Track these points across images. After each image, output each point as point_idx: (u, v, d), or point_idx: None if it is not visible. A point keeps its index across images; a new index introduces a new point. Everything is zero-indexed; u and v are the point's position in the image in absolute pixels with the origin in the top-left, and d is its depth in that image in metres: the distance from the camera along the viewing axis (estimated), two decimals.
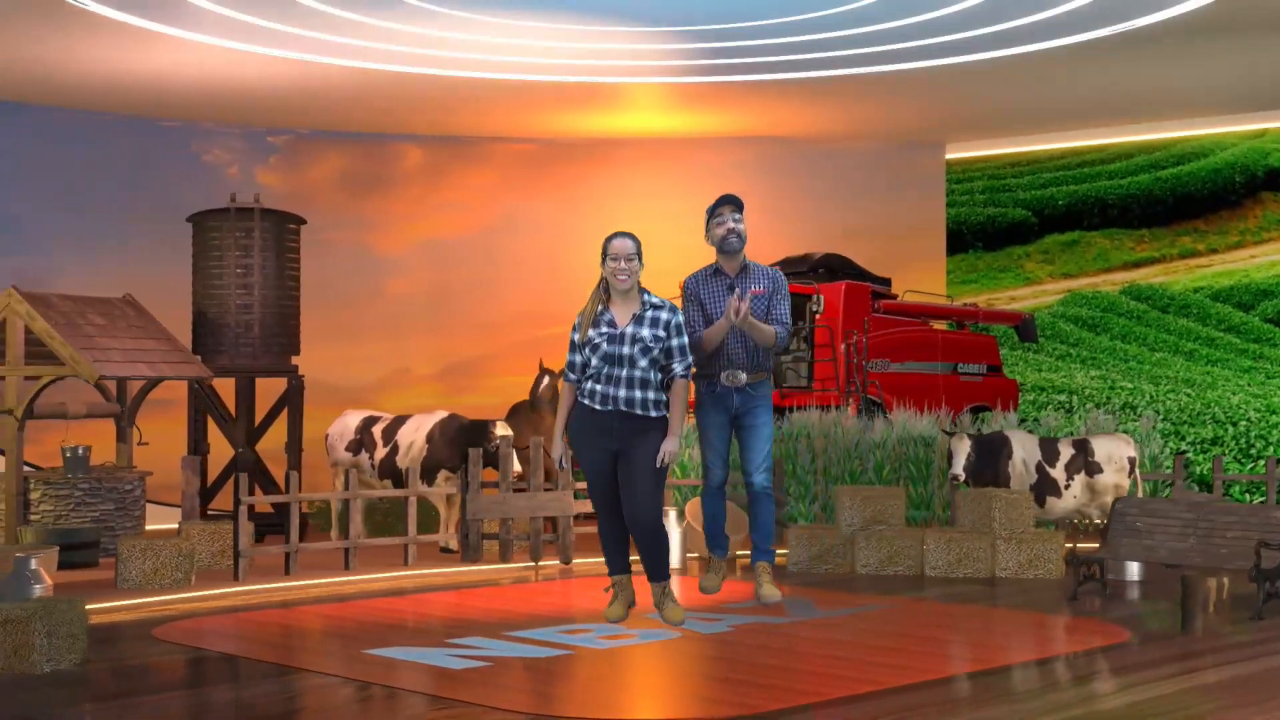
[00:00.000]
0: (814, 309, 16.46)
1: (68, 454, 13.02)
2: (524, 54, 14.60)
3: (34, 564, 9.00)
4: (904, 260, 18.01)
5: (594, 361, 8.60)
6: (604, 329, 8.64)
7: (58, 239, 15.47)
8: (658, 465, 8.74)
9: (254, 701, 7.35)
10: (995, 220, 18.58)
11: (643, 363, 8.65)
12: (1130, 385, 17.49)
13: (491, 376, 17.31)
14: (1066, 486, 12.71)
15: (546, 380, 14.33)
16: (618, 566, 9.27)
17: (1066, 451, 12.80)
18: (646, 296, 8.88)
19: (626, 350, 8.61)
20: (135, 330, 13.60)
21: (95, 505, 12.94)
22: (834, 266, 17.00)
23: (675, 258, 17.42)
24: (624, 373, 8.61)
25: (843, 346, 16.32)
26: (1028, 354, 18.25)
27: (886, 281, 17.29)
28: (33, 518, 12.78)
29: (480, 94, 15.79)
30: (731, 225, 9.03)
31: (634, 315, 8.73)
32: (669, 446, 8.80)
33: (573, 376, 8.73)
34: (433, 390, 16.66)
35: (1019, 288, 18.41)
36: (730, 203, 9.15)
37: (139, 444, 14.00)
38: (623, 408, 8.62)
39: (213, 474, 14.89)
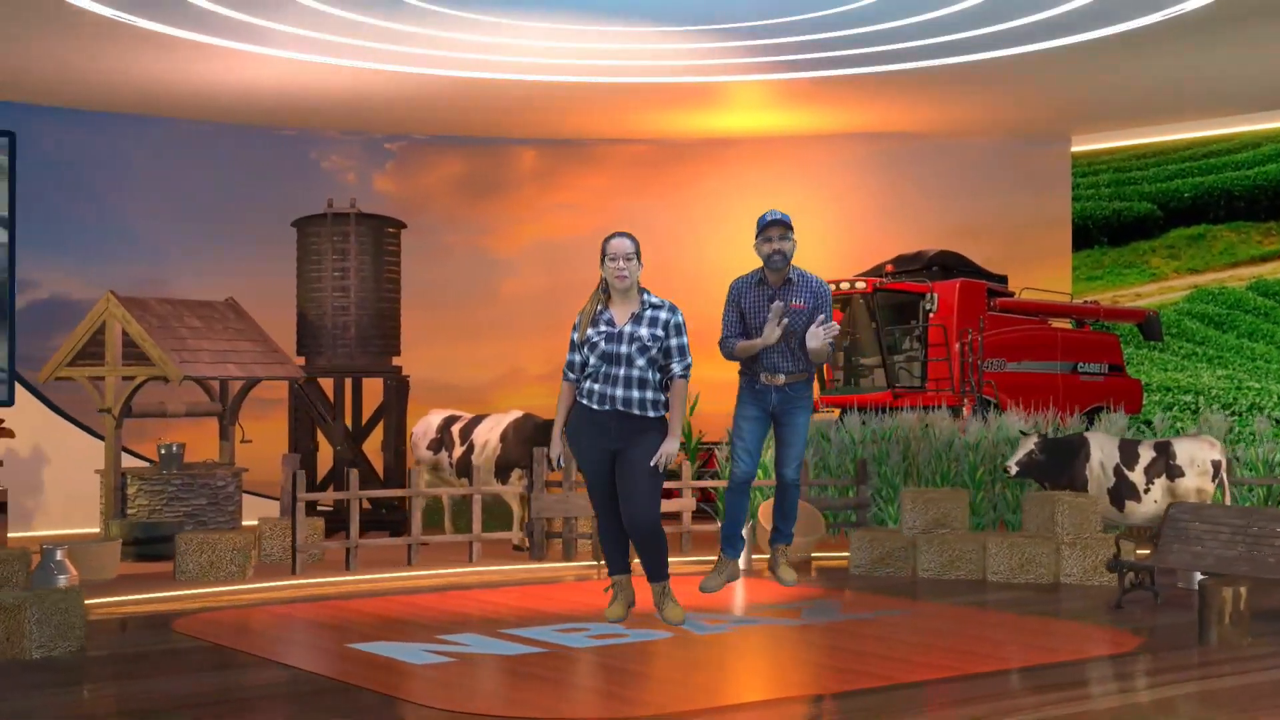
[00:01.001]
0: (927, 308, 16.17)
1: (162, 451, 13.57)
2: (634, 57, 14.67)
3: (59, 555, 9.42)
4: (1026, 257, 17.53)
5: (592, 360, 8.59)
6: (602, 328, 8.65)
7: (179, 245, 16.11)
8: (657, 467, 8.72)
9: (201, 690, 7.59)
10: (1121, 214, 17.91)
11: (640, 362, 8.62)
12: (1258, 385, 16.67)
13: None
14: (1146, 490, 12.20)
15: None
16: (617, 566, 9.25)
17: (1147, 454, 12.29)
18: (646, 296, 8.86)
19: (624, 349, 8.60)
20: (232, 332, 14.09)
21: (188, 500, 13.43)
22: (948, 264, 16.66)
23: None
24: (622, 372, 8.60)
25: (957, 346, 16.01)
26: (1153, 353, 17.55)
27: (1003, 279, 16.87)
28: (129, 511, 13.37)
29: (593, 97, 15.92)
30: (777, 245, 8.86)
31: (633, 314, 8.72)
32: (667, 448, 8.75)
33: (571, 376, 8.74)
34: (546, 390, 16.77)
35: (1144, 284, 17.72)
36: (777, 224, 9.02)
37: (242, 442, 14.52)
38: (620, 407, 8.60)
39: (322, 470, 15.34)
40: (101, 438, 15.30)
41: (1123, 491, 12.20)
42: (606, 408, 8.60)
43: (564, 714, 7.05)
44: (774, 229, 9.08)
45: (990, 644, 8.89)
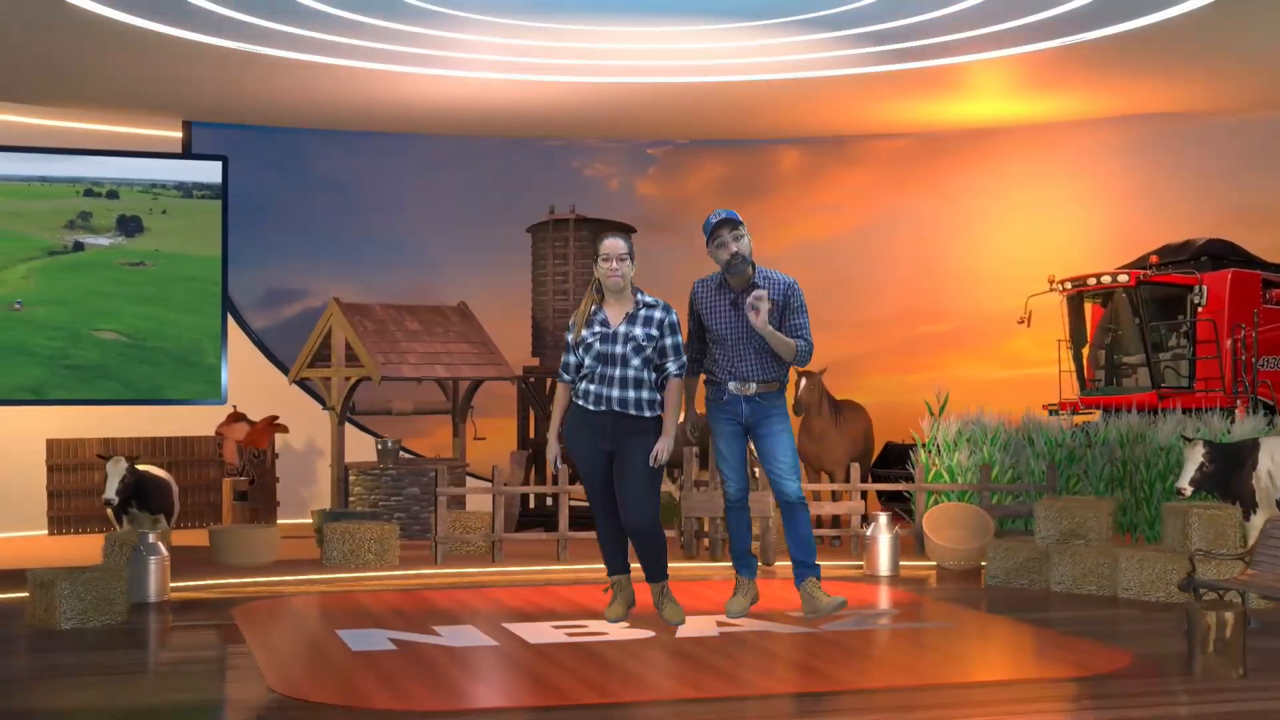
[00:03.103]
0: (1196, 301, 14.99)
1: (379, 446, 14.60)
2: (878, 42, 14.28)
3: (151, 538, 10.43)
4: None
5: (588, 361, 8.78)
6: (597, 328, 8.82)
7: (444, 254, 17.11)
8: (651, 465, 8.80)
9: (132, 662, 8.32)
10: None
11: (635, 361, 8.75)
12: None
13: (869, 375, 17.13)
14: None
15: (805, 383, 14.19)
16: (616, 566, 9.37)
17: None
18: (640, 296, 8.98)
19: (619, 349, 8.75)
20: (453, 335, 14.94)
21: (401, 491, 14.41)
22: (1218, 254, 15.34)
23: (1050, 248, 16.42)
24: (617, 372, 8.74)
25: (1228, 342, 14.75)
26: None
27: None
28: (350, 500, 14.47)
29: (852, 89, 15.60)
30: (734, 249, 8.75)
31: (627, 314, 8.86)
32: (661, 445, 8.85)
33: (567, 377, 8.96)
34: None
35: None
36: (726, 224, 8.81)
37: (475, 439, 15.39)
38: (616, 408, 8.76)
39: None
40: (368, 431, 16.64)
41: None
42: (602, 408, 8.76)
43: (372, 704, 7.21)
44: (723, 229, 8.85)
45: (941, 659, 8.33)
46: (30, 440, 14.95)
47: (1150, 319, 15.11)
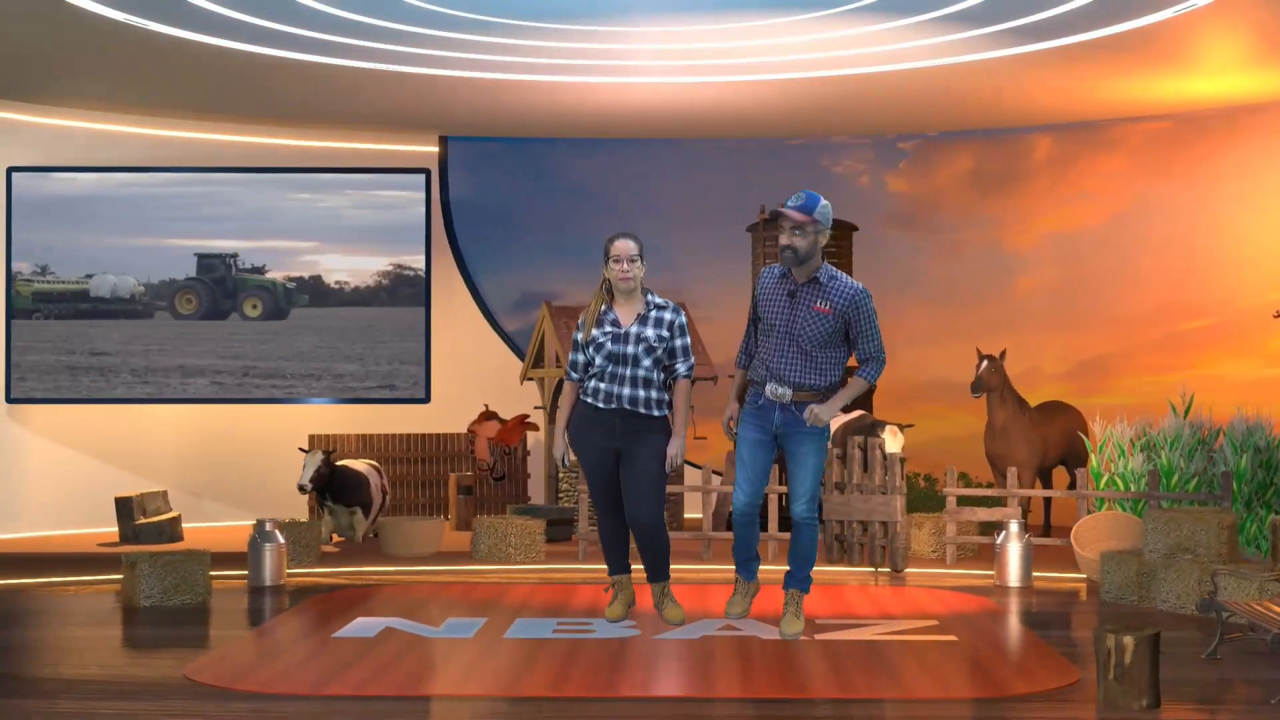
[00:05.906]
0: None
1: None
2: None
3: (269, 526, 11.39)
4: None
5: (597, 360, 9.11)
6: (608, 328, 9.14)
7: (693, 256, 17.29)
8: (665, 468, 9.03)
9: (164, 636, 9.22)
10: None
11: (646, 362, 9.04)
12: None
13: (1124, 375, 16.13)
14: None
15: (985, 364, 13.66)
16: (617, 566, 9.56)
17: None
18: (650, 297, 9.25)
19: (630, 349, 9.06)
20: None
21: None
22: None
23: None
24: (627, 372, 9.05)
25: None
26: None
27: None
28: (560, 496, 15.08)
29: (1100, 64, 14.49)
30: (786, 240, 8.40)
31: (638, 315, 9.15)
32: (673, 449, 9.09)
33: (575, 376, 9.29)
34: (1061, 390, 15.93)
35: None
36: (788, 217, 8.40)
37: (695, 439, 15.61)
38: (626, 406, 9.06)
39: None
40: None
41: None
42: (612, 406, 9.07)
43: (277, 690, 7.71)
44: (783, 221, 8.47)
45: (906, 673, 8.00)
46: (294, 437, 16.34)
47: None
